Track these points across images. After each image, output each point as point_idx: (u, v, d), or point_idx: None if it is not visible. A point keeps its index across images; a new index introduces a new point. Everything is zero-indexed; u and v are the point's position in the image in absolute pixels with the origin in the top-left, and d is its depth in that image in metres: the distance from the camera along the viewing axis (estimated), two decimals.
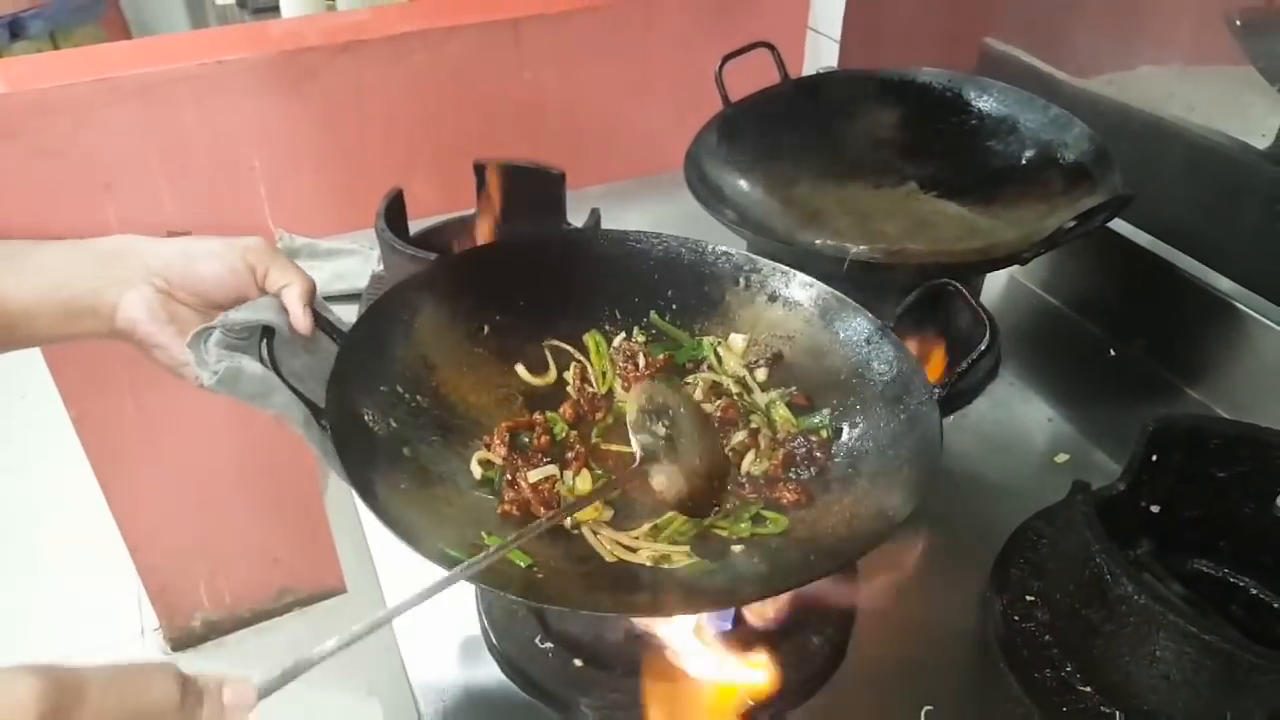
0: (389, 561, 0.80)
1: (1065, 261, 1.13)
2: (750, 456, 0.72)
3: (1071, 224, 0.85)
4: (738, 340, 0.80)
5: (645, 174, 1.36)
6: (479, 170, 1.06)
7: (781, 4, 1.64)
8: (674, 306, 0.82)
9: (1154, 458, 0.73)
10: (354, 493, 0.57)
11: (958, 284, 0.71)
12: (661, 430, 0.67)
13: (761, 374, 0.79)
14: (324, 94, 1.42)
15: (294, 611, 1.96)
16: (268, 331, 0.64)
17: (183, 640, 1.90)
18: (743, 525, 0.67)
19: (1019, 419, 0.98)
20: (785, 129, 1.09)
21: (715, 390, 0.78)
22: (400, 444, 0.66)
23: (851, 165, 1.09)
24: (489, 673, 0.71)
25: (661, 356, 0.80)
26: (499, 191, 1.06)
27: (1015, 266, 1.06)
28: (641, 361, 0.79)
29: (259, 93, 1.38)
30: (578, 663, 0.69)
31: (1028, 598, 0.73)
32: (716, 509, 0.68)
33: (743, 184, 1.04)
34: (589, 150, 1.44)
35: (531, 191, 1.06)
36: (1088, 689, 0.66)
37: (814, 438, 0.73)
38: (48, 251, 0.67)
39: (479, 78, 1.49)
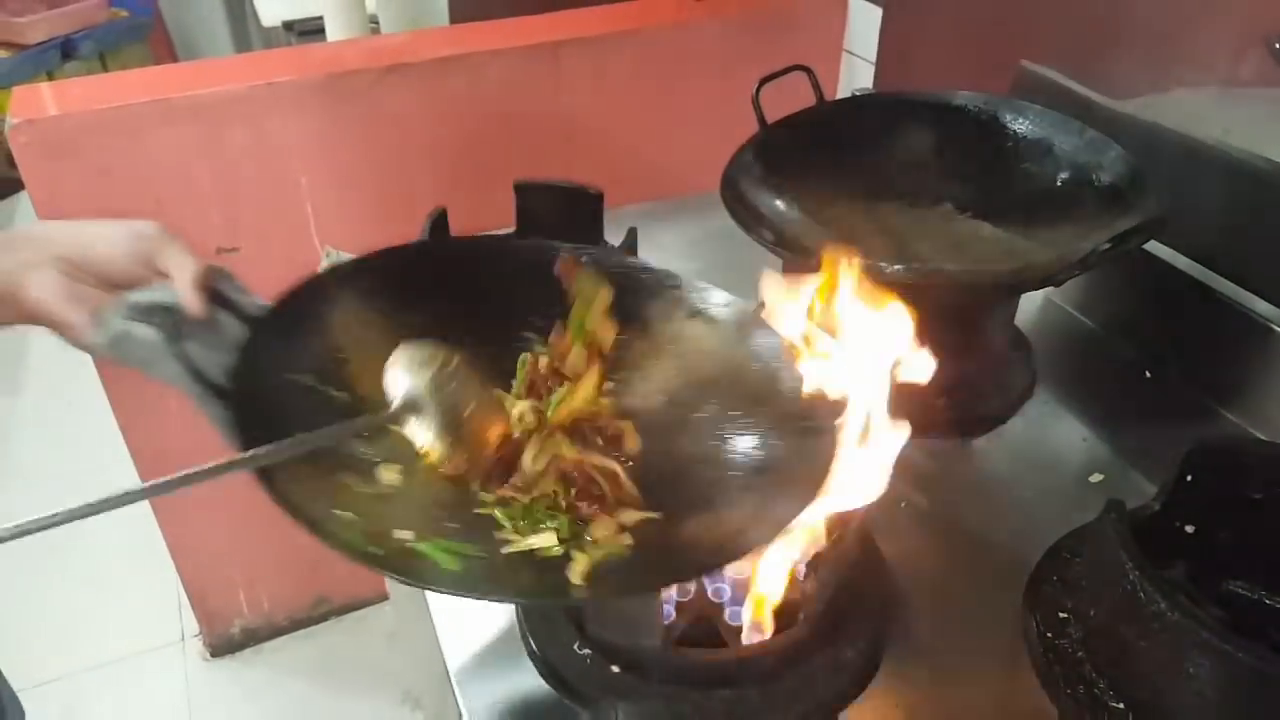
0: None
1: (1101, 283, 1.13)
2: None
3: (1106, 246, 0.85)
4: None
5: (682, 194, 1.38)
6: (519, 189, 1.08)
7: (818, 27, 1.66)
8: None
9: (1189, 478, 0.73)
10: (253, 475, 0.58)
11: None
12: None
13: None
14: (368, 115, 1.45)
15: (330, 620, 1.99)
16: (167, 309, 0.65)
17: (222, 647, 1.93)
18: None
19: (1054, 439, 0.98)
20: (821, 150, 1.10)
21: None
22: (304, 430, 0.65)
23: (887, 186, 1.10)
24: (529, 678, 0.73)
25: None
26: (538, 210, 1.09)
27: (1050, 288, 1.07)
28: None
29: (306, 114, 1.42)
30: (615, 669, 0.70)
31: (1061, 615, 0.73)
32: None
33: (779, 204, 1.06)
34: (626, 171, 1.47)
35: (570, 210, 1.08)
36: (1120, 705, 0.67)
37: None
38: None
39: (519, 100, 1.52)
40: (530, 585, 0.63)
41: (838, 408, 0.68)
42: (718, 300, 0.79)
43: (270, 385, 0.67)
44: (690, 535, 0.65)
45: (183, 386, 0.66)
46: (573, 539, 0.65)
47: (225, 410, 0.62)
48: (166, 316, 0.65)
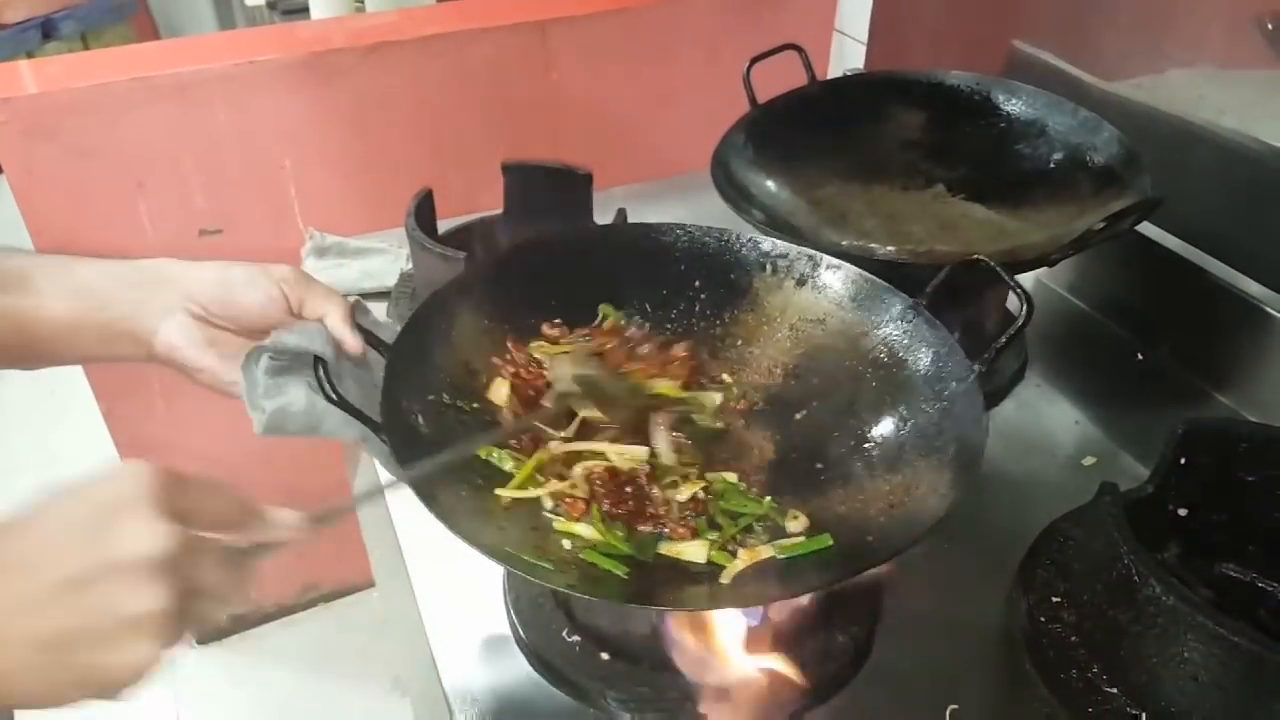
0: (419, 556, 0.82)
1: (1093, 265, 1.13)
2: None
3: (1100, 226, 0.84)
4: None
5: (672, 174, 1.37)
6: (507, 170, 1.07)
7: (808, 6, 1.65)
8: (703, 296, 0.82)
9: (1182, 460, 0.73)
10: (424, 506, 0.57)
11: (988, 260, 0.71)
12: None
13: None
14: (353, 95, 1.43)
15: (319, 606, 1.98)
16: (319, 361, 0.64)
17: (209, 634, 1.92)
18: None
19: (1046, 421, 0.98)
20: (812, 130, 1.09)
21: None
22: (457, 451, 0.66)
23: (879, 167, 1.10)
24: (518, 666, 0.72)
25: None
26: (526, 191, 1.08)
27: (1043, 270, 1.06)
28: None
29: (290, 93, 1.40)
30: (604, 656, 0.70)
31: (1054, 598, 0.73)
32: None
33: (770, 185, 1.05)
34: (615, 151, 1.45)
35: (558, 191, 1.07)
36: (1114, 690, 0.66)
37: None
38: (89, 270, 0.68)
39: (506, 79, 1.51)
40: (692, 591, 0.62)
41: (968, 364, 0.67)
42: (826, 267, 0.79)
43: (416, 408, 0.67)
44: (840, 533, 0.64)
45: (347, 435, 0.65)
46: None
47: (386, 444, 0.62)
48: (312, 363, 0.64)
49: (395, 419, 0.63)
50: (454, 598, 0.78)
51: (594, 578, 0.60)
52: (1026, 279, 1.18)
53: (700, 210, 1.08)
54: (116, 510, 0.46)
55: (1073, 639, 0.70)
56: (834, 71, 1.66)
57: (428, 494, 0.58)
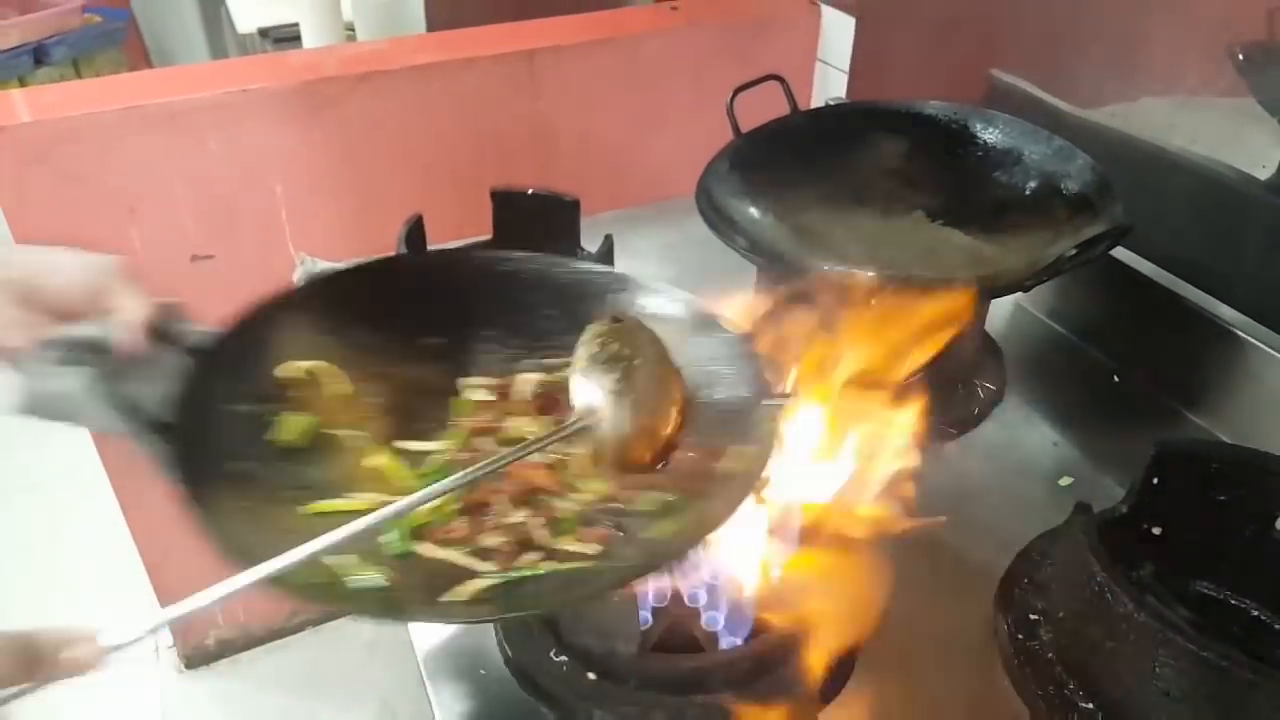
0: None
1: (1071, 289, 1.15)
2: None
3: (1073, 252, 0.87)
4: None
5: (658, 201, 1.39)
6: (495, 197, 1.09)
7: (792, 36, 1.68)
8: (550, 324, 0.79)
9: (1155, 480, 0.74)
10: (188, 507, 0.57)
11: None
12: (611, 384, 0.66)
13: None
14: (344, 123, 1.45)
15: (307, 631, 1.98)
16: (101, 352, 0.64)
17: (197, 658, 1.92)
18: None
19: (1024, 442, 1.00)
20: (795, 158, 1.12)
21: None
22: (250, 462, 0.64)
23: (860, 194, 1.12)
24: (506, 687, 0.73)
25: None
26: (515, 218, 1.09)
27: (1021, 294, 1.08)
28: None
29: (281, 121, 1.42)
30: (591, 676, 0.70)
31: (1031, 617, 0.74)
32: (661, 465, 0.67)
33: (753, 211, 1.07)
34: (602, 178, 1.47)
35: (546, 218, 1.09)
36: (1090, 705, 0.68)
37: None
38: None
39: (495, 107, 1.53)
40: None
41: (781, 404, 0.68)
42: (667, 299, 0.77)
43: (216, 417, 0.65)
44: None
45: (113, 429, 0.64)
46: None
47: (164, 445, 0.61)
48: (98, 354, 0.64)
49: (183, 421, 0.62)
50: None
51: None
52: (1005, 302, 1.20)
53: (685, 236, 1.11)
54: None
55: (1050, 656, 0.72)
56: (817, 100, 1.69)
57: (195, 498, 0.57)
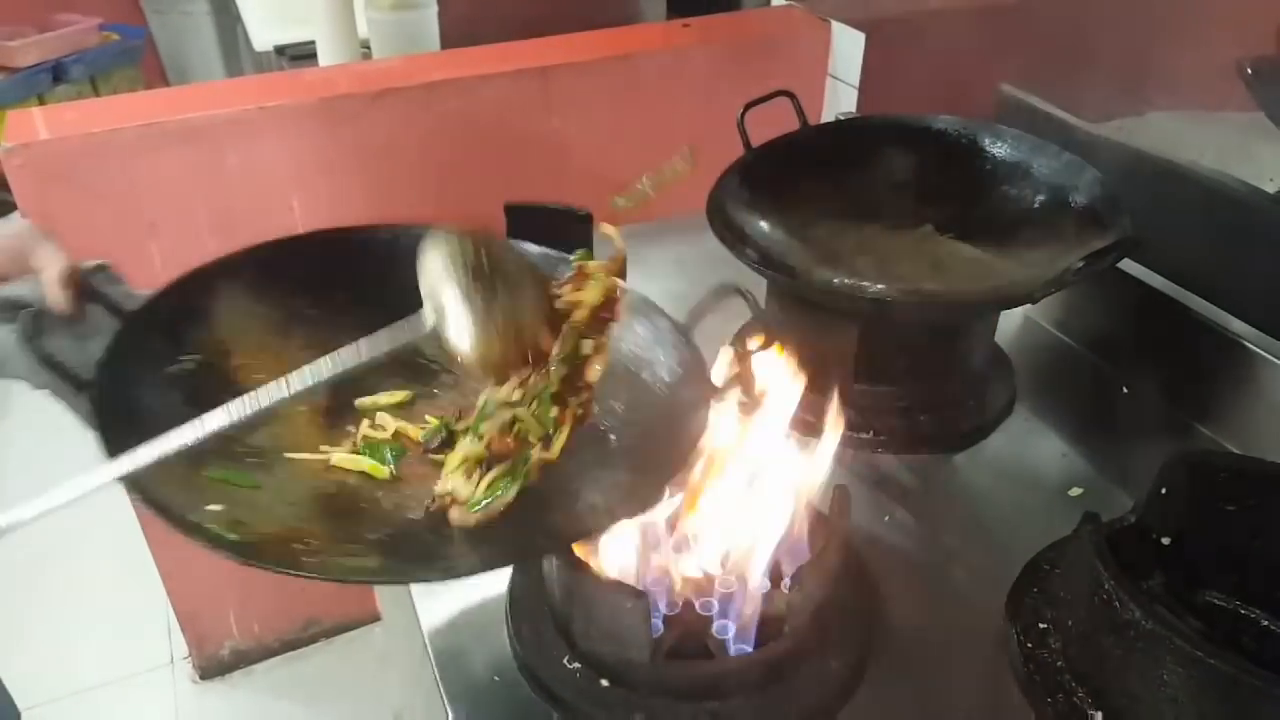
0: (425, 587, 0.84)
1: (1080, 302, 1.16)
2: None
3: (1080, 265, 0.87)
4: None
5: (670, 215, 1.40)
6: (509, 211, 1.10)
7: (802, 52, 1.69)
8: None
9: (1165, 491, 0.75)
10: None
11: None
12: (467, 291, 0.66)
13: None
14: (360, 139, 1.47)
15: (320, 641, 1.99)
16: (24, 308, 0.66)
17: (211, 669, 1.93)
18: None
19: (1034, 454, 1.00)
20: (805, 173, 1.13)
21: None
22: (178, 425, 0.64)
23: (869, 208, 1.13)
24: (519, 693, 0.74)
25: None
26: (528, 231, 1.10)
27: (1031, 307, 1.09)
28: None
29: (298, 137, 1.44)
30: (604, 683, 0.71)
31: (1041, 625, 0.75)
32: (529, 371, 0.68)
33: (764, 225, 1.08)
34: (614, 192, 1.48)
35: (560, 232, 1.10)
36: (1099, 714, 0.68)
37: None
38: None
39: (508, 123, 1.54)
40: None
41: (709, 391, 0.71)
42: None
43: (143, 378, 0.67)
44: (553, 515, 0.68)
45: (39, 383, 0.67)
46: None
47: (88, 403, 0.62)
48: (25, 313, 0.66)
49: (111, 381, 0.64)
50: (458, 627, 0.80)
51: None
52: (1015, 314, 1.21)
53: (696, 249, 1.12)
54: None
55: (1059, 664, 0.72)
56: (828, 114, 1.71)
57: (113, 454, 0.58)
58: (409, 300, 0.73)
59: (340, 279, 0.78)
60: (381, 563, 0.64)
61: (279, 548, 0.61)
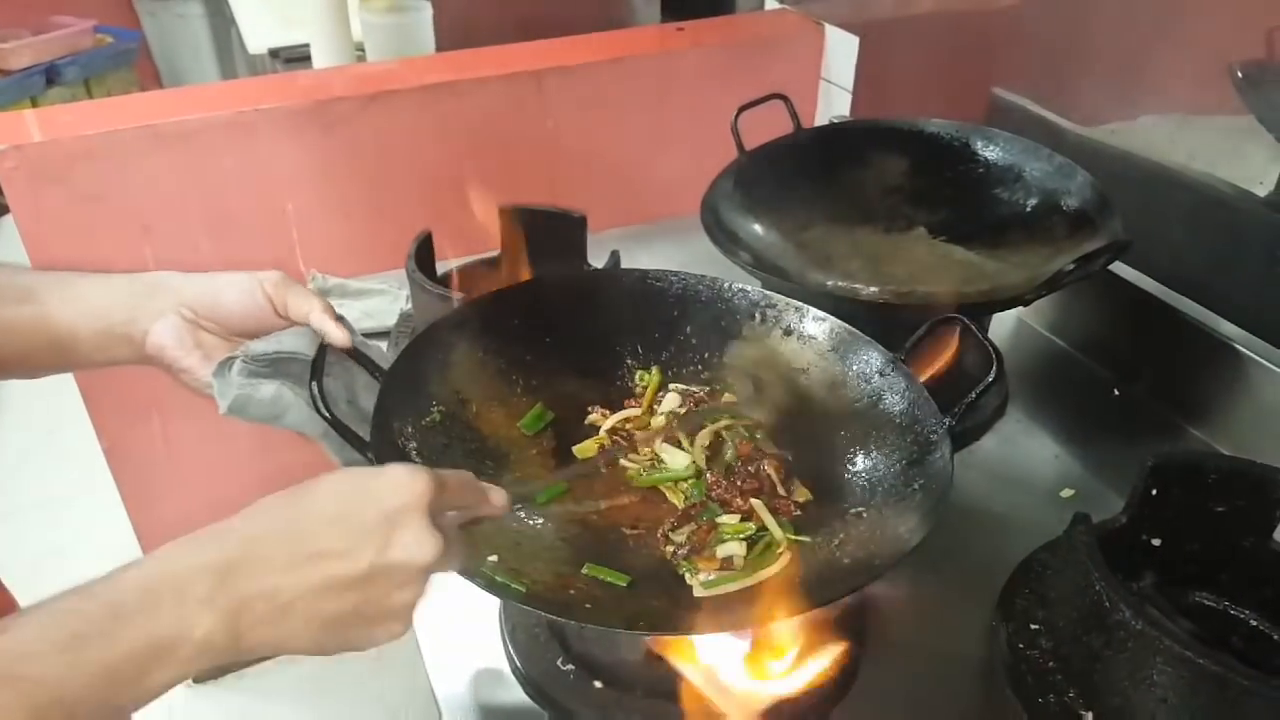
0: None
1: (1072, 304, 1.16)
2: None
3: (1071, 267, 0.88)
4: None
5: (663, 218, 1.41)
6: (504, 214, 1.10)
7: (796, 56, 1.69)
8: (693, 341, 0.86)
9: (1154, 492, 0.75)
10: None
11: (965, 319, 0.74)
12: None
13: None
14: (354, 141, 1.47)
15: None
16: (314, 367, 0.67)
17: (205, 672, 1.92)
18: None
19: (1026, 455, 1.01)
20: (798, 176, 1.13)
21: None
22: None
23: (862, 211, 1.13)
24: (513, 694, 0.74)
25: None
26: (523, 234, 1.11)
27: (1023, 309, 1.10)
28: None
29: (293, 140, 1.44)
30: (598, 684, 0.72)
31: (1032, 626, 0.75)
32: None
33: (757, 228, 1.08)
34: (609, 195, 1.49)
35: (554, 234, 1.10)
36: (1089, 714, 0.69)
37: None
38: (92, 282, 0.72)
39: (503, 126, 1.55)
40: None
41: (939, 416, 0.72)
42: (811, 318, 0.82)
43: (404, 430, 0.71)
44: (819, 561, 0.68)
45: (312, 430, 0.69)
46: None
47: (367, 458, 0.65)
48: (295, 365, 0.68)
49: (384, 438, 0.67)
50: (451, 629, 0.80)
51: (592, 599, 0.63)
52: (1007, 317, 1.21)
53: (690, 252, 1.12)
54: (398, 518, 0.53)
55: (1050, 664, 0.72)
56: (821, 118, 1.71)
57: None
58: (608, 339, 0.85)
59: (544, 324, 0.84)
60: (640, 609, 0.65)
61: (558, 595, 0.63)
